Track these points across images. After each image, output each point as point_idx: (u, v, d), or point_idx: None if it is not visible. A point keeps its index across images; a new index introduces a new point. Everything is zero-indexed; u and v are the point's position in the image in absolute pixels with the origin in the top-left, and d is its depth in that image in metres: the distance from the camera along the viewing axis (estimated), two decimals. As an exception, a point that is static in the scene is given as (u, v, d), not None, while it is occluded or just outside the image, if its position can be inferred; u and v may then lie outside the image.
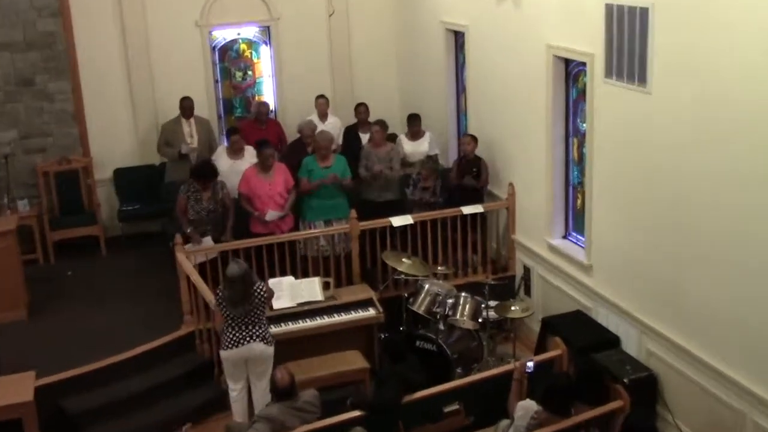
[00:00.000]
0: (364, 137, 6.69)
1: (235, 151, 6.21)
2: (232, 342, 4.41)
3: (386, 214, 5.76)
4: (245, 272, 4.38)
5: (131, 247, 6.82)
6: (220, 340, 4.51)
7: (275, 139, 6.70)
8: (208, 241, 5.51)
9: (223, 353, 4.49)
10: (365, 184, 6.20)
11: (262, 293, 4.45)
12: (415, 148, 6.51)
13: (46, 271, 6.46)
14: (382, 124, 6.37)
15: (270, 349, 4.48)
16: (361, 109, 6.94)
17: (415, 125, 6.54)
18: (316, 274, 5.55)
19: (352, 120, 7.04)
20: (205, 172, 5.58)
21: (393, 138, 6.67)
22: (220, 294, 4.45)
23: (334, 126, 6.92)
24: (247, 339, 4.40)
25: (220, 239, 5.57)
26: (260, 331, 4.44)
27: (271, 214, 5.65)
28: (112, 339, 5.20)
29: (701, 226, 4.11)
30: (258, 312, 4.44)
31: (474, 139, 6.08)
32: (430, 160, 6.22)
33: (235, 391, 4.57)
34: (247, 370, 4.53)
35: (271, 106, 7.57)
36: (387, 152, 6.20)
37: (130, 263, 6.56)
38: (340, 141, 6.82)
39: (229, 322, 4.43)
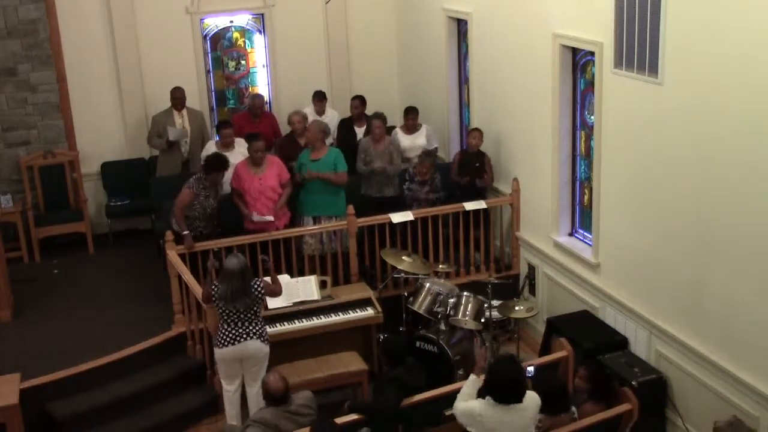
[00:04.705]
0: (359, 131, 6.51)
1: (225, 145, 6.03)
2: (228, 339, 4.36)
3: (386, 210, 5.70)
4: (244, 266, 4.36)
5: (119, 245, 6.79)
6: (214, 339, 4.44)
7: (270, 133, 6.57)
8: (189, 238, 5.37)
9: (218, 351, 4.44)
10: (364, 179, 6.05)
11: (259, 289, 4.40)
12: (412, 142, 6.36)
13: (30, 270, 6.36)
14: (382, 117, 6.16)
15: (266, 348, 4.46)
16: (356, 102, 6.75)
17: (410, 118, 6.37)
18: (312, 272, 5.46)
19: (349, 113, 6.86)
20: (222, 162, 5.41)
21: (389, 131, 6.49)
22: (216, 290, 4.37)
23: (332, 119, 6.79)
24: (244, 336, 4.37)
25: (212, 236, 5.42)
26: (257, 328, 4.43)
27: (258, 217, 5.47)
28: (100, 340, 5.15)
29: (719, 221, 4.01)
30: (255, 309, 4.41)
31: (482, 133, 6.02)
32: (429, 155, 6.09)
33: (230, 391, 4.53)
34: (242, 370, 4.46)
35: (266, 98, 7.41)
36: (386, 147, 6.06)
37: (118, 261, 6.49)
38: (335, 134, 6.63)
39: (225, 318, 4.39)
